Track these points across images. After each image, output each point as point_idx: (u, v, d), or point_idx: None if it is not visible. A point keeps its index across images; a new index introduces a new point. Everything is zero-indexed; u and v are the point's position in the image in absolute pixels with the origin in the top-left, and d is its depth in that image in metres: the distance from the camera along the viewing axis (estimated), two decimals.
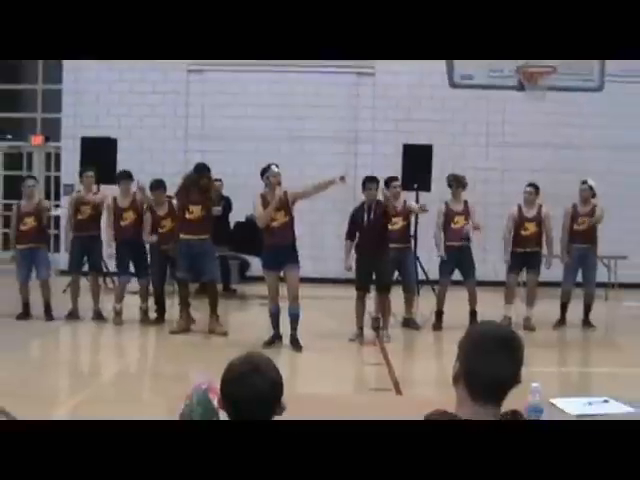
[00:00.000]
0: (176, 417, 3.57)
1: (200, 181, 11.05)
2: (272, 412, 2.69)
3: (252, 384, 2.63)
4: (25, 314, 11.75)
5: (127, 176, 11.85)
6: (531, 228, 11.59)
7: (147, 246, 11.86)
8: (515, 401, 2.51)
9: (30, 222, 11.71)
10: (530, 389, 3.85)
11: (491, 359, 2.41)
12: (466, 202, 11.66)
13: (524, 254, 11.58)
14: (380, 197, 10.68)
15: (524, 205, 11.70)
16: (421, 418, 2.51)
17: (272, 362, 2.76)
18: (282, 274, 10.23)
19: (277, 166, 10.16)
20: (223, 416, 2.83)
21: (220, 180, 13.70)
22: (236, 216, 14.55)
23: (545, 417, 3.87)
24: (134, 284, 11.97)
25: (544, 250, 11.67)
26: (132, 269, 11.97)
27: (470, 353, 2.47)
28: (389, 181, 11.51)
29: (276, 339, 10.25)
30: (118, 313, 11.71)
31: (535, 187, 11.69)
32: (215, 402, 3.36)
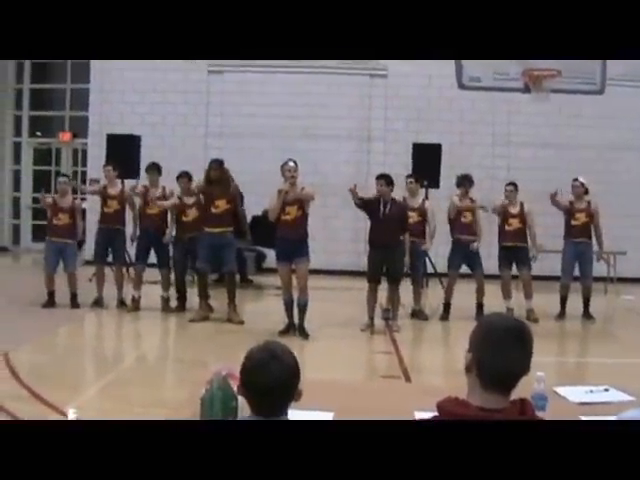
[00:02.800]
0: (197, 401, 3.62)
1: (210, 173, 11.21)
2: (290, 398, 2.71)
3: (270, 371, 2.64)
4: (50, 303, 11.96)
5: (155, 168, 12.11)
6: (515, 224, 11.83)
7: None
8: (520, 389, 2.52)
9: (64, 218, 11.97)
10: (535, 377, 3.80)
11: (502, 350, 2.43)
12: (472, 199, 11.93)
13: (511, 249, 11.82)
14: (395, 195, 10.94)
15: (507, 202, 11.93)
16: (430, 404, 2.57)
17: (289, 350, 2.76)
18: (293, 266, 10.37)
19: (295, 162, 10.26)
20: (242, 401, 2.91)
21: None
22: (253, 210, 14.75)
23: (549, 405, 3.83)
24: (157, 274, 12.17)
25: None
26: (153, 259, 12.15)
27: (482, 343, 2.48)
28: (405, 179, 11.90)
29: (290, 328, 10.38)
30: (136, 300, 11.95)
31: (514, 185, 11.96)
32: (235, 387, 3.33)
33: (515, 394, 2.50)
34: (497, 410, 2.44)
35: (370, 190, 11.16)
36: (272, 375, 2.64)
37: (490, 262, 12.31)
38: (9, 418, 6.36)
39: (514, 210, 11.92)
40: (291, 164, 10.23)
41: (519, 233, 11.88)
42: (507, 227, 11.91)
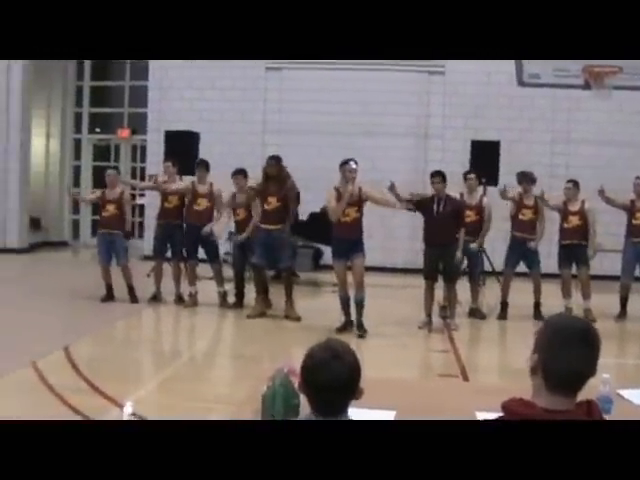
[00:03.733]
0: (259, 398, 3.62)
1: (267, 170, 11.28)
2: (351, 397, 2.70)
3: (331, 370, 2.63)
4: (109, 297, 12.13)
5: (204, 165, 12.17)
6: (574, 222, 11.62)
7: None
8: (584, 391, 2.47)
9: (111, 210, 12.11)
10: (601, 380, 3.71)
11: (568, 351, 2.38)
12: (535, 197, 11.77)
13: (570, 247, 11.63)
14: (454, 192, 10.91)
15: (566, 200, 11.75)
16: (489, 403, 2.60)
17: (350, 348, 2.75)
18: (349, 263, 10.33)
19: (356, 162, 10.15)
20: (303, 398, 2.88)
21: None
22: (311, 207, 14.72)
23: (614, 408, 3.74)
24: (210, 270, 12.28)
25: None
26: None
27: (548, 344, 2.44)
28: (464, 175, 11.80)
29: (348, 325, 10.39)
30: (193, 296, 12.03)
31: (575, 183, 11.75)
32: (296, 384, 3.28)
33: (580, 397, 2.46)
34: (563, 412, 2.39)
35: (427, 189, 11.09)
36: (333, 373, 2.64)
37: (550, 261, 12.18)
38: (69, 411, 6.46)
39: (574, 208, 11.72)
40: (352, 165, 10.13)
41: (578, 231, 11.66)
42: (566, 225, 11.73)
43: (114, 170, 12.88)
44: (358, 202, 10.23)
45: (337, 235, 10.35)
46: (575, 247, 11.69)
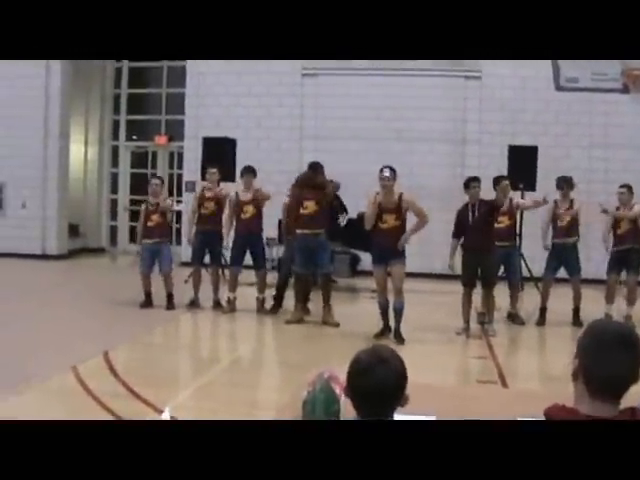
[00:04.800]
0: (299, 403, 3.58)
1: (316, 179, 11.29)
2: (396, 403, 2.70)
3: (377, 375, 2.63)
4: (148, 303, 12.21)
5: (250, 171, 12.12)
6: (624, 226, 11.50)
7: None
8: (627, 399, 2.44)
9: (156, 219, 12.18)
10: None
11: (610, 356, 2.35)
12: (572, 201, 11.65)
13: (621, 252, 11.49)
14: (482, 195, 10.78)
15: (620, 205, 11.63)
16: (530, 410, 2.58)
17: (397, 354, 2.76)
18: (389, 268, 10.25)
19: (392, 170, 10.07)
20: (344, 404, 2.91)
21: (332, 181, 14.14)
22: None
23: None
24: (251, 276, 12.29)
25: None
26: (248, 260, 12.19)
27: (589, 350, 2.41)
28: (497, 180, 11.48)
29: (385, 331, 10.32)
30: (231, 302, 12.03)
31: (629, 187, 11.61)
32: (337, 390, 3.36)
33: (623, 404, 2.43)
34: (606, 419, 2.37)
35: (464, 197, 11.03)
36: (378, 378, 2.64)
37: (589, 265, 12.07)
38: (109, 416, 6.50)
39: (625, 212, 11.59)
40: (384, 173, 10.06)
41: (630, 235, 11.53)
42: (619, 230, 11.61)
43: (159, 179, 12.87)
44: (396, 210, 10.14)
45: (376, 241, 10.28)
46: (627, 252, 11.54)
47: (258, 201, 12.05)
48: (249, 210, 12.03)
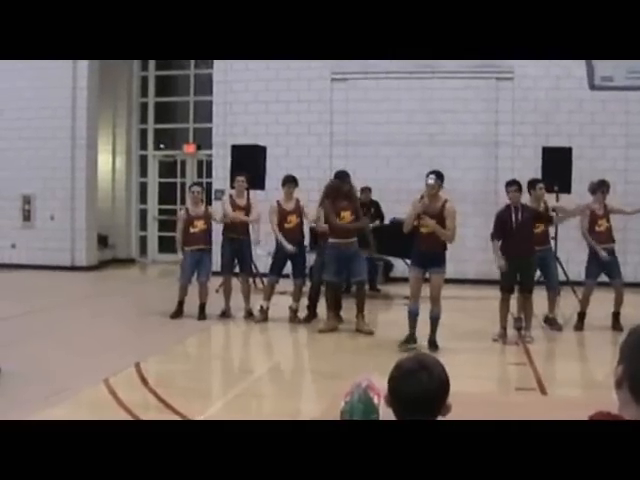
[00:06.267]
0: (336, 413, 3.57)
1: (343, 188, 11.24)
2: (437, 410, 2.67)
3: (418, 381, 2.62)
4: (179, 313, 12.11)
5: (292, 180, 12.07)
6: None
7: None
8: None
9: (200, 225, 12.14)
10: None
11: None
12: (606, 206, 11.49)
13: None
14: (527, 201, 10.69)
15: None
16: (571, 418, 2.36)
17: (440, 362, 2.75)
18: (427, 275, 10.11)
19: (438, 176, 10.03)
20: (383, 414, 2.89)
21: (369, 189, 14.09)
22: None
23: None
24: (284, 285, 12.26)
25: None
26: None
27: (633, 355, 2.27)
28: (533, 183, 11.45)
29: (411, 339, 10.03)
30: (264, 311, 11.97)
31: None
32: (375, 400, 3.37)
33: None
34: None
35: (500, 197, 10.88)
36: (420, 385, 2.64)
37: (625, 269, 11.87)
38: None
39: None
40: (429, 180, 9.92)
41: None
42: None
43: (199, 186, 12.75)
44: (439, 216, 9.93)
45: (416, 245, 10.09)
46: None
47: (301, 211, 12.04)
48: (293, 220, 12.03)
